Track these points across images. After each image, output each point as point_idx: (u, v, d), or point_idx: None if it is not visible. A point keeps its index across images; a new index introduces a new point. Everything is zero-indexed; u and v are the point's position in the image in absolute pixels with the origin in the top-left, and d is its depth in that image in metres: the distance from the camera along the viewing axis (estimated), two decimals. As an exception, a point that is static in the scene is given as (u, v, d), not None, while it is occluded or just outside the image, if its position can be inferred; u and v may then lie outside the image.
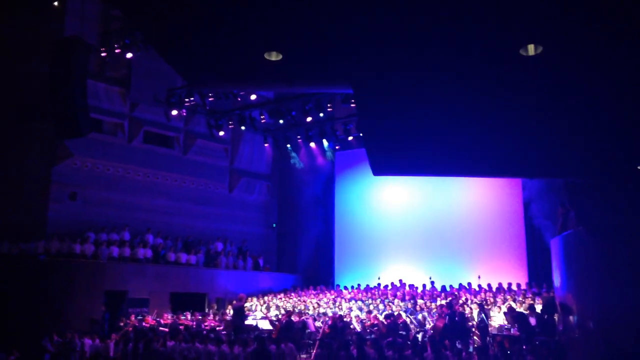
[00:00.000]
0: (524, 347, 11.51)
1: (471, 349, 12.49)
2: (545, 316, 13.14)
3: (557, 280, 12.83)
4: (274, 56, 4.90)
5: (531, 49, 4.10)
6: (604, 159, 6.55)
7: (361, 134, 19.75)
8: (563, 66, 4.50)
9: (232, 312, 16.98)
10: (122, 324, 17.45)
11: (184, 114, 22.17)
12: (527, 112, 5.25)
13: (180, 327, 16.56)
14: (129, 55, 18.69)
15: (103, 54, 19.09)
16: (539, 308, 13.85)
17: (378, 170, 6.49)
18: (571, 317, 11.50)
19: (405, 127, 5.49)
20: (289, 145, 23.65)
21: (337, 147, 24.74)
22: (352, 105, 19.17)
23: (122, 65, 20.68)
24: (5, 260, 17.71)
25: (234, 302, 18.06)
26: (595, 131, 5.65)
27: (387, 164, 6.46)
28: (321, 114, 19.99)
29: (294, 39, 4.64)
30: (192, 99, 20.53)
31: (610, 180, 7.57)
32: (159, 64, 19.51)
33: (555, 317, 13.16)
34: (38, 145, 19.33)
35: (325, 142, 22.74)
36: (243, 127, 22.21)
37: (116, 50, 18.68)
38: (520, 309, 14.09)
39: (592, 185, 7.82)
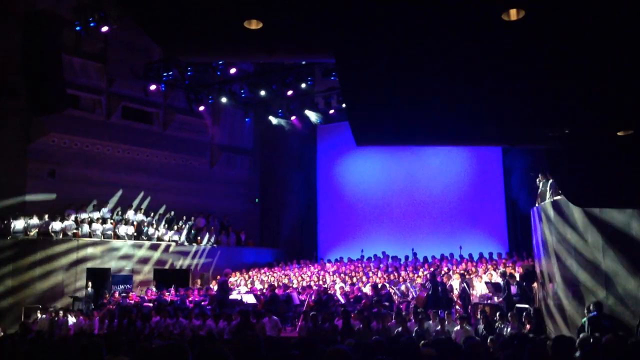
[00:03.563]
0: (503, 313, 11.73)
1: (454, 318, 12.68)
2: (524, 283, 13.39)
3: (536, 249, 13.04)
4: (254, 24, 4.78)
5: (513, 14, 4.06)
6: (583, 125, 6.59)
7: (344, 105, 19.67)
8: (545, 31, 4.47)
9: (216, 287, 17.01)
10: (105, 300, 17.41)
11: (163, 89, 21.82)
12: (510, 79, 5.23)
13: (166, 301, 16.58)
14: (105, 29, 18.24)
15: (77, 28, 18.57)
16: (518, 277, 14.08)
17: (362, 141, 6.44)
18: (550, 285, 11.73)
19: (389, 96, 5.45)
20: (271, 117, 23.45)
21: (318, 121, 24.61)
22: (333, 78, 19.06)
23: (98, 39, 20.17)
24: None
25: (219, 277, 18.11)
26: (575, 97, 5.66)
27: (370, 134, 6.40)
28: (303, 85, 19.82)
29: (274, 6, 4.54)
30: (170, 73, 20.17)
31: (591, 147, 7.63)
32: (136, 38, 19.23)
33: (535, 285, 13.41)
34: (13, 122, 18.88)
35: (308, 112, 22.61)
36: (224, 100, 21.93)
37: (91, 24, 18.19)
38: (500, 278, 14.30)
39: (572, 153, 7.87)
